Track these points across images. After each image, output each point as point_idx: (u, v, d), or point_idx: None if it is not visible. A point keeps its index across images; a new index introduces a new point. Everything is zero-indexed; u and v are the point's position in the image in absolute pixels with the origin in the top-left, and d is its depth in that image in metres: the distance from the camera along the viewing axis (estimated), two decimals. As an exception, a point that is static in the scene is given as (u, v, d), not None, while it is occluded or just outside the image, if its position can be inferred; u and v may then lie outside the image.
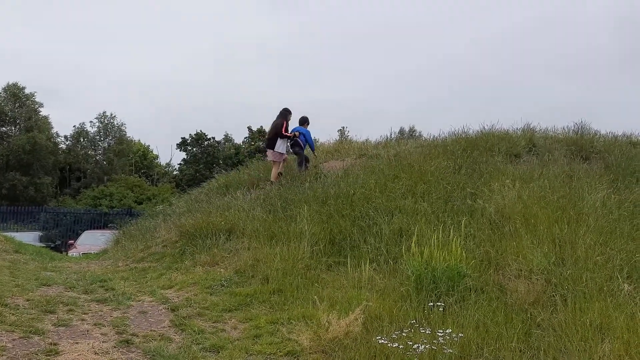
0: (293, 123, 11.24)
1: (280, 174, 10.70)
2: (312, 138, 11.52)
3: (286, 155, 11.13)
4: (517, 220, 7.03)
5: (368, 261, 6.38)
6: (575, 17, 73.64)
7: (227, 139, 34.11)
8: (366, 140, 14.20)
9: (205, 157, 31.91)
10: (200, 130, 33.11)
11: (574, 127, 12.33)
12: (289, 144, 10.93)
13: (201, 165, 31.53)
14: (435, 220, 7.40)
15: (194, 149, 33.15)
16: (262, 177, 11.04)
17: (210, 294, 6.30)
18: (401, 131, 26.79)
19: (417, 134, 21.76)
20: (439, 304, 5.03)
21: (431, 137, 13.28)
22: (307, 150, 11.52)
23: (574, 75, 66.34)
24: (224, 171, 15.15)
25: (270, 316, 5.42)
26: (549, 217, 6.91)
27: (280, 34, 75.54)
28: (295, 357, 4.50)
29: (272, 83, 65.30)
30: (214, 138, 33.35)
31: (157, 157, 44.68)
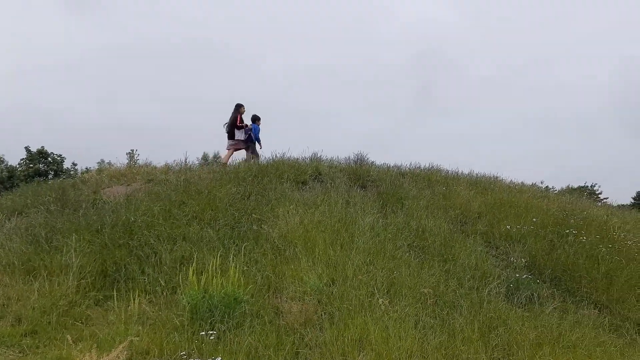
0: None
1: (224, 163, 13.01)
2: (259, 134, 13.61)
3: (242, 144, 13.30)
4: (298, 245, 7.30)
5: (141, 293, 5.93)
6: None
7: (-1, 160, 29.41)
8: (165, 164, 13.45)
9: (-32, 181, 27.01)
10: (-37, 150, 27.96)
11: (354, 157, 13.53)
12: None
13: (-39, 191, 26.48)
14: (220, 246, 7.28)
15: (-47, 172, 27.84)
16: (30, 204, 9.60)
17: (-63, 345, 5.16)
18: (204, 157, 26.12)
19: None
20: (211, 332, 4.86)
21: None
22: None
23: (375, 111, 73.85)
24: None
25: (18, 363, 4.66)
26: (325, 241, 7.33)
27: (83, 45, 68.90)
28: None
29: (67, 98, 58.32)
30: (-20, 159, 28.47)
31: None
